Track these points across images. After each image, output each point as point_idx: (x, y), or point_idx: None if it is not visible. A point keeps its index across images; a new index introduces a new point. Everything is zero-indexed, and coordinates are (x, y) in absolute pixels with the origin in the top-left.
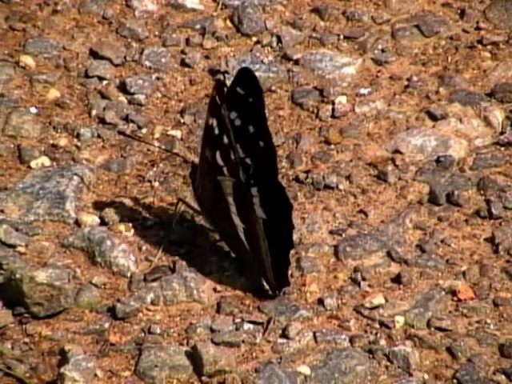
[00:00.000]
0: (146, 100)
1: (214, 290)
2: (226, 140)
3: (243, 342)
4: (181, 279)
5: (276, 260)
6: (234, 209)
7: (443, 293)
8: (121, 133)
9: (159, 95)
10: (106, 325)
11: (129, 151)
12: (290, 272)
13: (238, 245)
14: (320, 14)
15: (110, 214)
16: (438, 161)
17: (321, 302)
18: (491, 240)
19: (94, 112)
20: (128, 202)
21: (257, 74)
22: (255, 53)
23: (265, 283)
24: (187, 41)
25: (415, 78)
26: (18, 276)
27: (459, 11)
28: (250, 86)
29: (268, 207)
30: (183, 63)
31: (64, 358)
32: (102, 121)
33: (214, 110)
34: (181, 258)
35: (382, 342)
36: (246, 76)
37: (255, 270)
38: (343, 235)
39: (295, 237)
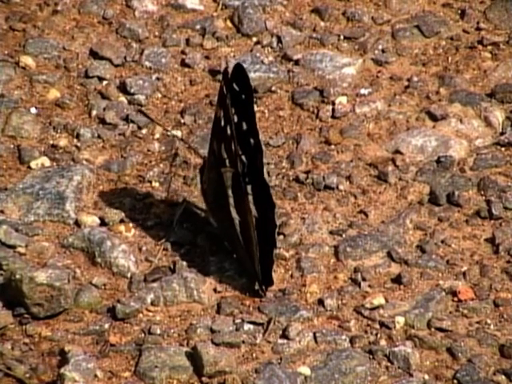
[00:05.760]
0: (146, 100)
1: (214, 290)
2: (229, 131)
3: (243, 342)
4: (181, 280)
5: (264, 258)
6: (232, 201)
7: (443, 293)
8: (142, 112)
9: (159, 95)
10: (106, 325)
11: (129, 151)
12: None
13: (234, 240)
14: (320, 15)
15: (110, 214)
16: (438, 161)
17: (321, 302)
18: (491, 240)
19: (94, 112)
20: (128, 202)
21: (257, 74)
22: (255, 53)
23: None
24: (187, 41)
25: (415, 79)
26: (17, 276)
27: (459, 11)
28: (243, 84)
29: (258, 206)
30: (183, 63)
31: (64, 358)
32: (102, 121)
33: (221, 101)
34: (181, 259)
35: (383, 342)
36: (240, 73)
37: (248, 266)
38: (343, 235)
39: (295, 237)
